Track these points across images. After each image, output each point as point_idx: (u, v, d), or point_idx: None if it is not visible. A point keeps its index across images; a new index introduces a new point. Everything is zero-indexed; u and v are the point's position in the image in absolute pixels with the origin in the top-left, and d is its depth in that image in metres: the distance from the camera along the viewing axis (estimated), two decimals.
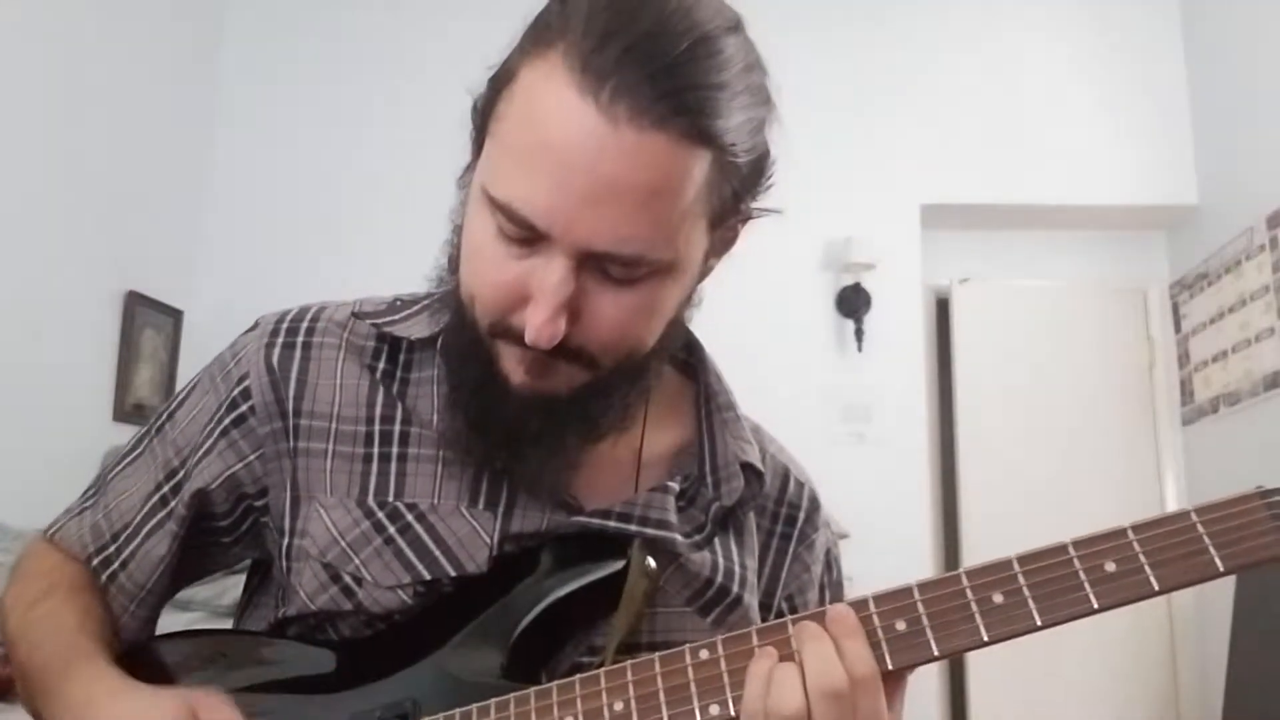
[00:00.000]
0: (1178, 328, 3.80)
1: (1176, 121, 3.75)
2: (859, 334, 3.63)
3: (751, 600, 0.83)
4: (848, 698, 0.62)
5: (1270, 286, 3.21)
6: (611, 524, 0.77)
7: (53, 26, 3.04)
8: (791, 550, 0.88)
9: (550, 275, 0.67)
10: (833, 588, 0.93)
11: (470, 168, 0.74)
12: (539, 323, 0.67)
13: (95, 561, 0.84)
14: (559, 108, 0.64)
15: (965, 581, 0.65)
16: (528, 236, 0.67)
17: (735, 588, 0.81)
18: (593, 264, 0.68)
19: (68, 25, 3.10)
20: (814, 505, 0.91)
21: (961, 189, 3.74)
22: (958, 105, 3.77)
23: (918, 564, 3.44)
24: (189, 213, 3.74)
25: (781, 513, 0.89)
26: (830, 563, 0.93)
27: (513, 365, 0.72)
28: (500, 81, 0.70)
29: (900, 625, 0.65)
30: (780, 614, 0.87)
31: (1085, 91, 3.77)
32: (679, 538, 0.79)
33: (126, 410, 3.30)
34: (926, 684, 3.45)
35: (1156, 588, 0.63)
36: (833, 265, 3.70)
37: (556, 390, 0.72)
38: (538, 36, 0.68)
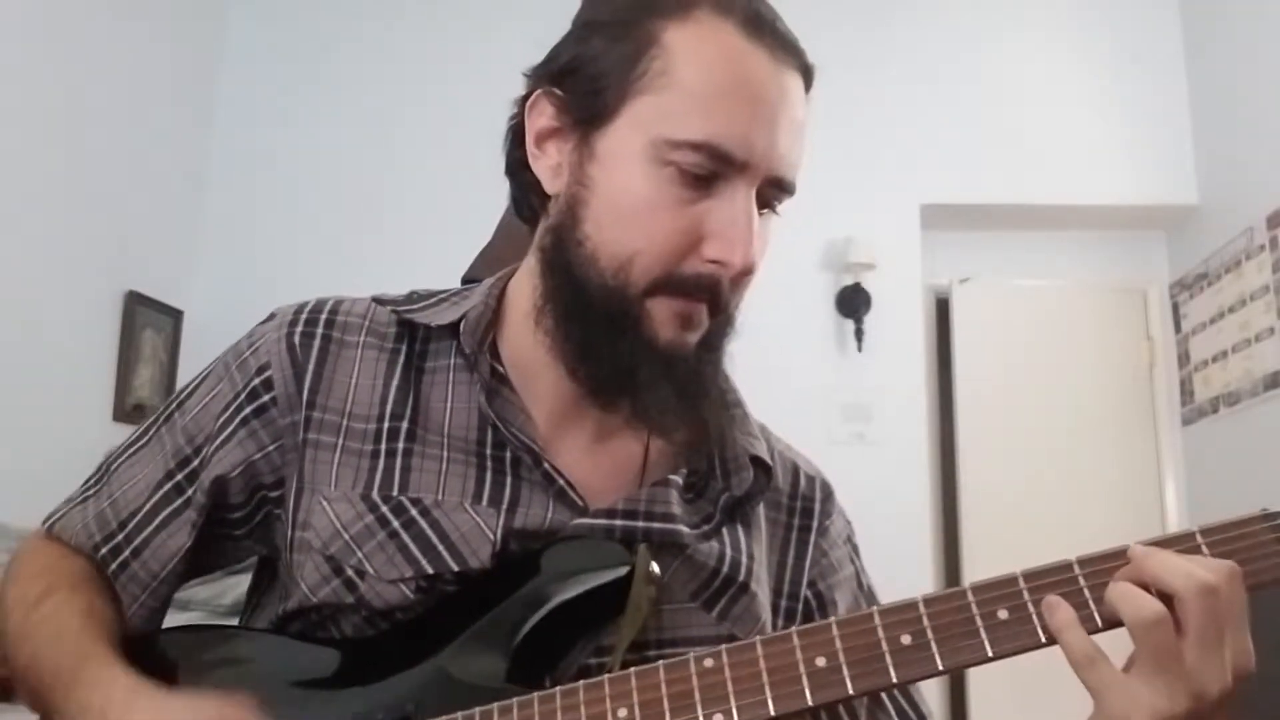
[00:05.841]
0: (1178, 328, 3.79)
1: (1176, 121, 3.74)
2: (859, 334, 3.62)
3: (759, 590, 0.82)
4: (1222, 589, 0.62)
5: (1270, 286, 3.21)
6: (617, 523, 0.77)
7: (53, 27, 3.04)
8: (812, 541, 0.89)
9: (740, 203, 0.73)
10: (863, 573, 0.93)
11: (584, 141, 0.76)
12: (744, 244, 0.72)
13: (103, 550, 0.83)
14: (737, 52, 0.72)
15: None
16: (711, 176, 0.72)
17: (741, 576, 0.81)
18: (762, 195, 0.74)
19: (68, 26, 3.09)
20: (827, 494, 0.92)
21: (961, 189, 3.73)
22: (958, 105, 3.77)
23: (918, 564, 3.43)
24: (188, 213, 3.74)
25: (797, 506, 0.89)
26: (855, 549, 0.93)
27: (664, 321, 0.74)
28: (636, 45, 0.73)
29: (905, 639, 0.65)
30: (808, 604, 0.87)
31: (1085, 91, 3.76)
32: (685, 529, 0.79)
33: (126, 410, 3.30)
34: (927, 689, 3.44)
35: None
36: (833, 265, 3.70)
37: (693, 340, 0.76)
38: (663, 6, 0.74)
